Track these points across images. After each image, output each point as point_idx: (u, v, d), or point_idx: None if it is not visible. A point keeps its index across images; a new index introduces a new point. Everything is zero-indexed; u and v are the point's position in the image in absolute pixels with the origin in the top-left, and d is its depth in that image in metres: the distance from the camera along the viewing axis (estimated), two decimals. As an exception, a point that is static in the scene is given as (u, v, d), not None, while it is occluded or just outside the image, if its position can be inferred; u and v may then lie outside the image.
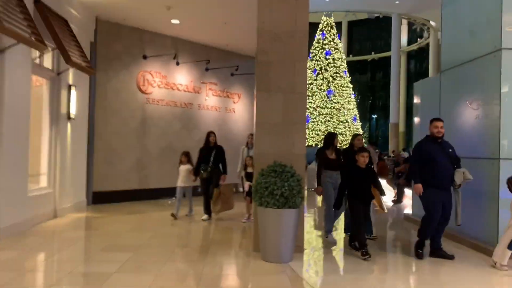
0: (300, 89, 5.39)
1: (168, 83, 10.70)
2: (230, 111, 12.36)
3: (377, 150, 15.05)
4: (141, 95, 10.22)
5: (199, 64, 11.27)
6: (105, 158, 9.55)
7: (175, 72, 10.85)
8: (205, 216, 7.82)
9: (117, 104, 9.79)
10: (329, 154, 6.34)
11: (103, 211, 8.54)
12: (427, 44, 34.57)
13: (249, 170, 7.40)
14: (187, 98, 11.14)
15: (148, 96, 10.33)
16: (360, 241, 5.39)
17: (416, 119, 9.06)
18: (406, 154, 18.14)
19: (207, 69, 11.45)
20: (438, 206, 5.30)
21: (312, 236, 6.96)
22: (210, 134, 7.90)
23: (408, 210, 9.98)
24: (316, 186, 6.45)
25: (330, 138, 6.49)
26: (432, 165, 5.29)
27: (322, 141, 6.35)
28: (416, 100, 8.92)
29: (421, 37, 36.12)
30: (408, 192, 11.30)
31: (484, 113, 5.98)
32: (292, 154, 5.38)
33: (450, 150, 5.43)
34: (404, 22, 34.57)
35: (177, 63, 10.81)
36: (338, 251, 5.90)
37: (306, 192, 13.68)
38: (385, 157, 20.30)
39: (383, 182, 14.92)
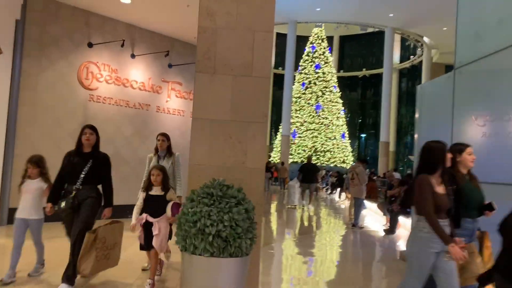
0: (260, 72, 3.59)
1: (119, 78, 8.84)
2: (198, 116, 10.49)
3: (367, 169, 13.30)
4: (83, 90, 8.34)
5: (160, 58, 9.46)
6: (30, 166, 7.60)
7: (129, 66, 9.00)
8: (63, 286, 4.08)
9: (51, 100, 7.89)
10: (436, 183, 3.26)
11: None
12: (420, 62, 33.41)
13: (155, 192, 4.38)
14: (143, 98, 9.27)
15: (92, 93, 8.45)
16: None
17: (416, 134, 7.31)
18: (398, 175, 16.51)
19: (170, 66, 9.64)
20: None
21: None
22: (84, 130, 4.40)
23: (403, 244, 8.17)
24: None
25: (439, 152, 3.30)
26: None
27: (420, 159, 3.37)
28: (418, 108, 7.18)
29: (414, 54, 34.98)
30: (403, 220, 9.52)
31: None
32: (244, 169, 3.54)
33: None
34: (397, 39, 33.42)
35: (132, 56, 8.99)
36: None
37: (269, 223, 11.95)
38: (374, 177, 18.67)
39: (372, 206, 13.27)
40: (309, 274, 5.92)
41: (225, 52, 3.58)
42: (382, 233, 9.61)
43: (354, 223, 10.20)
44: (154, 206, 4.34)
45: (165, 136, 5.42)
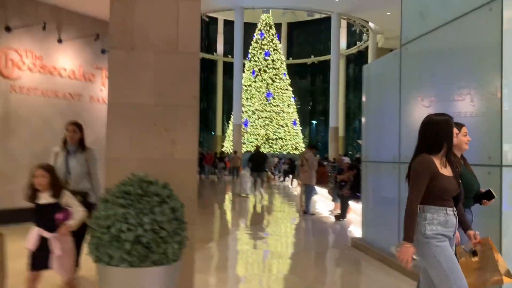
0: (187, 47, 3.10)
1: (45, 65, 7.98)
2: (138, 106, 9.81)
3: (317, 155, 13.17)
4: (2, 80, 7.45)
5: (92, 43, 8.66)
6: None
7: (56, 52, 8.16)
8: None
9: (-37, 92, 6.98)
10: (440, 165, 2.68)
11: None
12: (366, 48, 33.95)
13: (44, 200, 3.23)
14: (73, 87, 8.46)
15: (13, 83, 7.57)
16: None
17: (364, 117, 7.10)
18: (347, 159, 16.59)
19: (103, 51, 8.85)
20: None
21: None
22: None
23: (355, 230, 8.03)
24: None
25: (444, 126, 2.68)
26: None
27: (421, 137, 2.74)
28: (365, 90, 6.96)
29: (360, 40, 35.51)
30: (353, 205, 9.41)
31: (475, 104, 4.05)
32: (172, 161, 3.06)
33: None
34: (344, 25, 33.71)
35: (59, 41, 8.15)
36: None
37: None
38: (325, 163, 18.70)
39: (323, 191, 13.17)
40: (261, 268, 5.57)
41: (144, 24, 3.06)
42: (333, 219, 9.46)
43: (305, 210, 9.99)
44: (46, 218, 3.21)
45: (76, 126, 4.20)
